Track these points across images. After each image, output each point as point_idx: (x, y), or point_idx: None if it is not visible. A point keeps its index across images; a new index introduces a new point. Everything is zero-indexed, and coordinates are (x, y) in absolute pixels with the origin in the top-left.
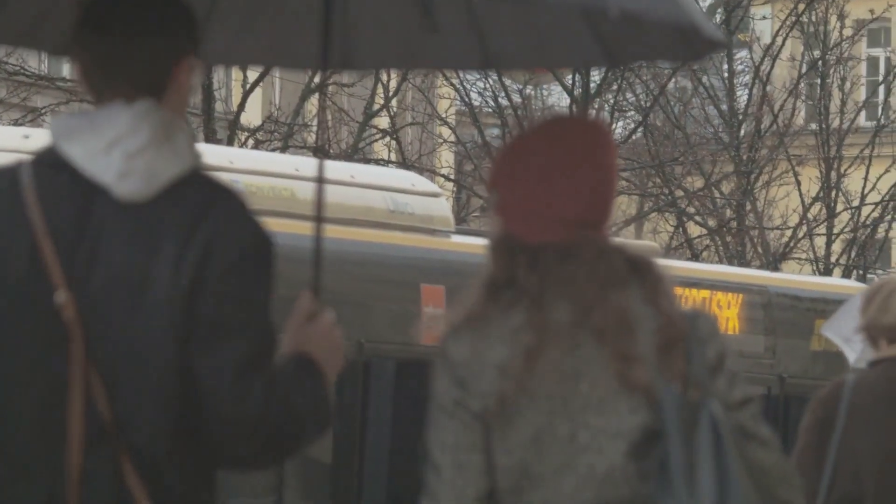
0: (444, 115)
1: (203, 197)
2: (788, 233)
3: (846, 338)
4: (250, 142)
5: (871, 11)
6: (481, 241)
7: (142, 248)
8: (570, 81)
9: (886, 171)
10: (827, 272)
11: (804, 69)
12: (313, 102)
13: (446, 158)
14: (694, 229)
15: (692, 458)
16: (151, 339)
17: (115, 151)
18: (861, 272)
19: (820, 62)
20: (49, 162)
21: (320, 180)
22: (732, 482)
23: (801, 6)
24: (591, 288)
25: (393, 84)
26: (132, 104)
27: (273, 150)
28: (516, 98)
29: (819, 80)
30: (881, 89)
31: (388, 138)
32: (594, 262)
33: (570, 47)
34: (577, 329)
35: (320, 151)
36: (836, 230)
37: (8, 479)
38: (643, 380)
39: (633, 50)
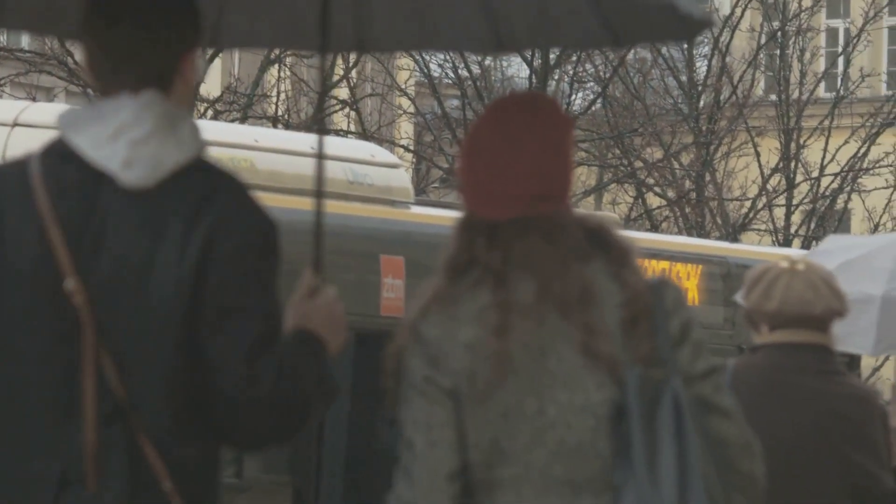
0: (403, 87)
1: (207, 183)
2: (748, 204)
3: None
4: (209, 112)
5: None
6: (441, 212)
7: (148, 233)
8: (530, 53)
9: (845, 142)
10: (786, 243)
11: (763, 40)
12: (272, 73)
13: (406, 129)
14: (653, 200)
15: (654, 439)
16: (158, 322)
17: (120, 140)
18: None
19: (779, 33)
20: (57, 152)
21: (320, 156)
22: (693, 461)
23: None
24: (551, 261)
25: (352, 55)
26: (138, 95)
27: (232, 120)
28: (475, 69)
29: (778, 51)
30: (840, 60)
31: (347, 109)
32: (552, 236)
33: (577, 30)
34: (540, 304)
35: (320, 128)
36: (795, 201)
37: (24, 457)
38: (606, 351)
39: (635, 31)
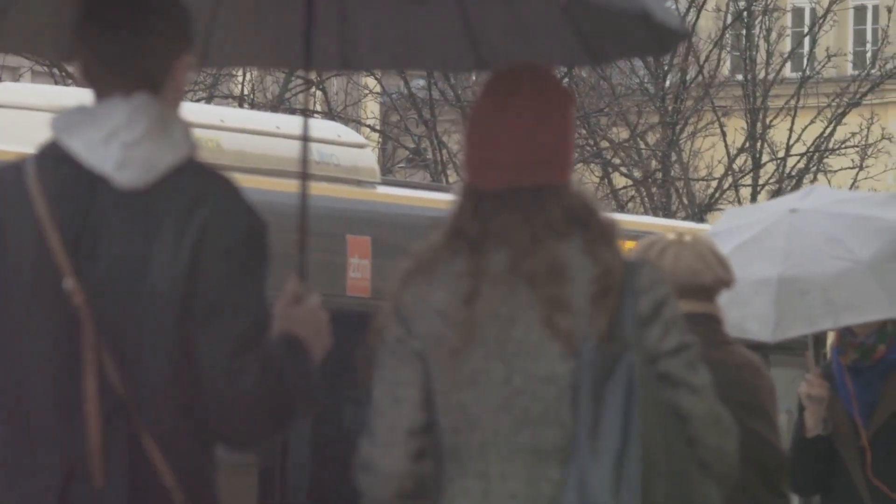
0: None
1: (199, 184)
2: (714, 184)
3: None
4: None
5: None
6: (407, 192)
7: (142, 233)
8: None
9: (811, 122)
10: None
11: (729, 20)
12: None
13: (372, 109)
14: (619, 180)
15: (600, 414)
16: (156, 320)
17: (113, 143)
18: None
19: (745, 13)
20: (51, 155)
21: (305, 139)
22: (635, 438)
23: None
24: (525, 236)
25: None
26: (130, 97)
27: (198, 100)
28: None
29: (744, 31)
30: (806, 40)
31: (313, 89)
32: (530, 211)
33: (555, 46)
34: (511, 275)
35: (306, 110)
36: (761, 181)
37: (31, 454)
38: (566, 326)
39: (611, 48)
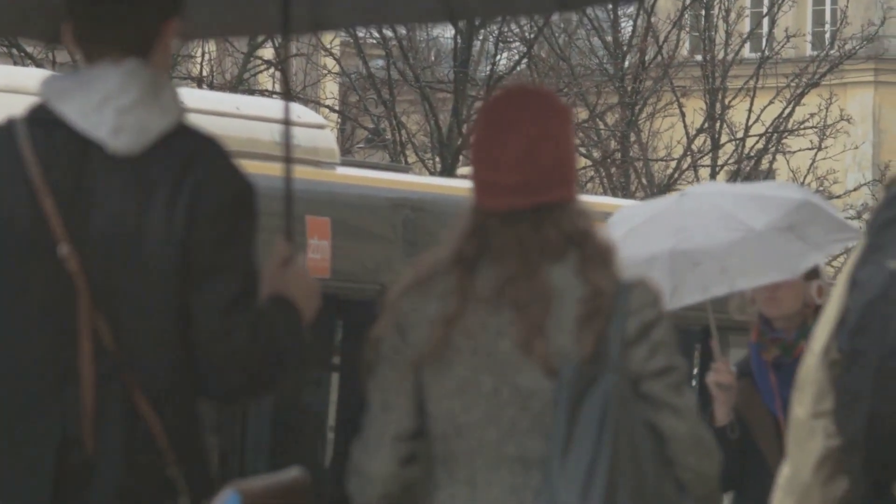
0: (328, 47)
1: (190, 148)
2: (673, 164)
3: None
4: None
5: None
6: (366, 173)
7: (136, 198)
8: None
9: (770, 102)
10: None
11: (688, 1)
12: None
13: (331, 89)
14: (578, 161)
15: (572, 432)
16: (150, 284)
17: (107, 108)
18: None
19: None
20: (43, 120)
21: (286, 122)
22: (604, 458)
23: None
24: (518, 260)
25: None
26: (121, 63)
27: None
28: (401, 29)
29: (703, 12)
30: (765, 21)
31: (272, 69)
32: (524, 235)
33: None
34: (498, 298)
35: (286, 94)
36: (720, 162)
37: (26, 417)
38: (542, 352)
39: None
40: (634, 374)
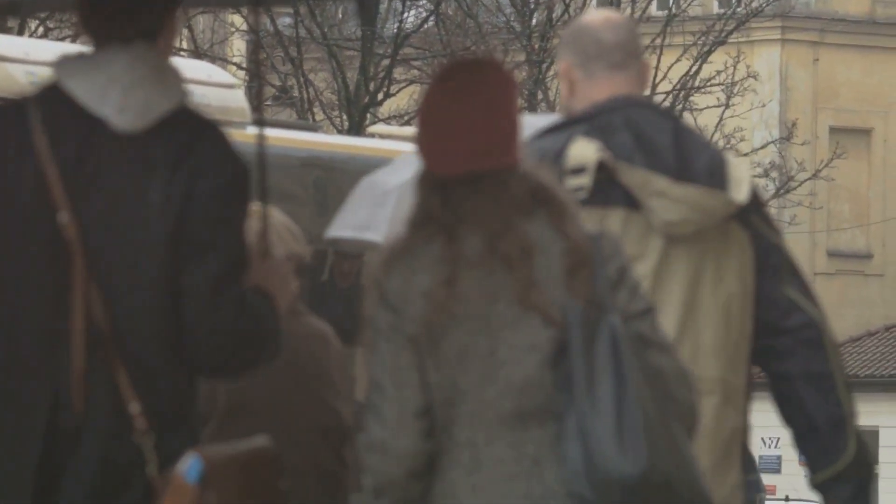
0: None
1: (190, 130)
2: None
3: (363, 226)
4: (40, 30)
5: None
6: (277, 133)
7: (136, 174)
8: None
9: (677, 60)
10: None
11: None
12: None
13: (238, 47)
14: None
15: (593, 370)
16: (144, 257)
17: (113, 88)
18: None
19: None
20: (53, 96)
21: (260, 114)
22: (629, 389)
23: None
24: (496, 218)
25: None
26: (129, 47)
27: (63, 38)
28: None
29: None
30: None
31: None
32: (497, 194)
33: None
34: (488, 257)
35: (256, 63)
36: None
37: (19, 379)
38: (540, 303)
39: None
40: (622, 315)
